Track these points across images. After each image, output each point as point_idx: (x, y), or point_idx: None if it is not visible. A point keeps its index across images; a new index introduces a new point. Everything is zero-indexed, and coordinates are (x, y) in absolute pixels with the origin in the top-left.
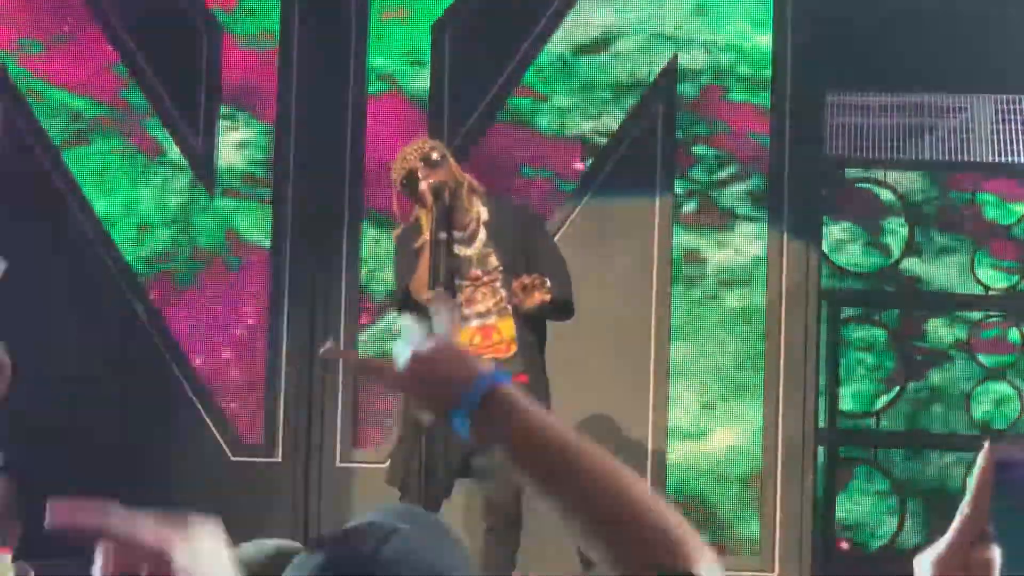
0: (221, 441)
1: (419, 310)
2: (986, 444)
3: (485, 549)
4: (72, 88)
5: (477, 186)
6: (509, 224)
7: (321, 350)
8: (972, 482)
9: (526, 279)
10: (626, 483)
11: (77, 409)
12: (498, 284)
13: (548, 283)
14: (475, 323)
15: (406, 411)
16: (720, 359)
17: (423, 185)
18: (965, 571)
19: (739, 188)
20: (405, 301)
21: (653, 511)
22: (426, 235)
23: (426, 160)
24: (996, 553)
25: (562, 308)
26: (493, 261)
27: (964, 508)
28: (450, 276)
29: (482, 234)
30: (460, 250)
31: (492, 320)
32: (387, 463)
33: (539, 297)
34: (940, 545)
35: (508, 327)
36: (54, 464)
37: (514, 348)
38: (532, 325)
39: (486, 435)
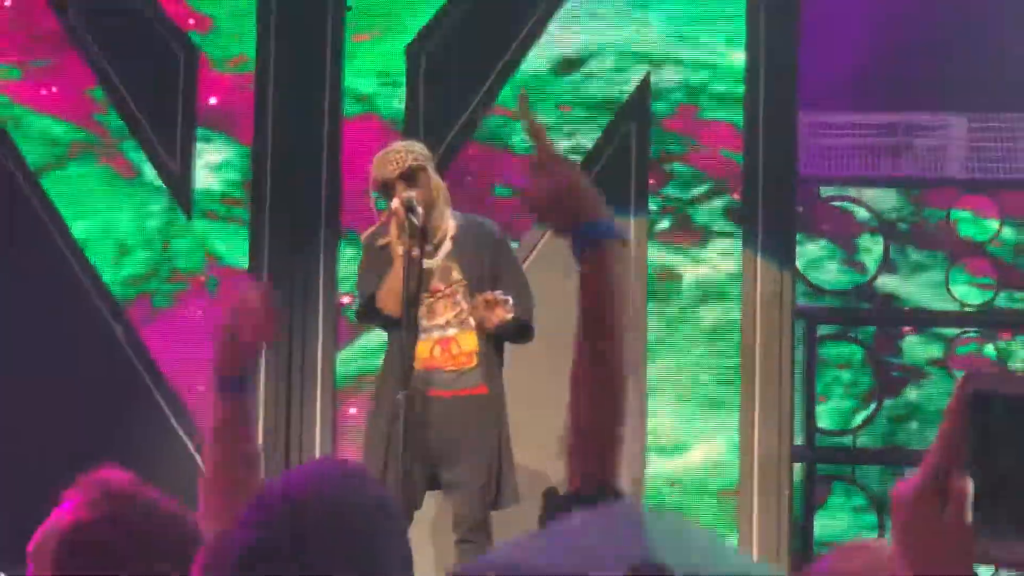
0: (198, 459)
1: (379, 318)
2: (962, 374)
3: (458, 561)
4: (50, 113)
5: (447, 197)
6: (475, 240)
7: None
8: (945, 412)
9: (489, 295)
10: (622, 395)
11: (55, 430)
12: (459, 297)
13: (511, 301)
14: (435, 335)
15: (374, 423)
16: (696, 375)
17: (396, 202)
18: (939, 501)
19: (713, 205)
20: (367, 308)
21: (616, 428)
22: (392, 239)
23: (404, 176)
24: (969, 483)
25: (522, 330)
26: (455, 275)
27: (938, 438)
28: (418, 293)
29: (446, 247)
30: (424, 262)
31: (452, 332)
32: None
33: (501, 313)
34: (914, 475)
35: (467, 340)
36: (30, 483)
37: (475, 361)
38: (493, 341)
39: (587, 264)
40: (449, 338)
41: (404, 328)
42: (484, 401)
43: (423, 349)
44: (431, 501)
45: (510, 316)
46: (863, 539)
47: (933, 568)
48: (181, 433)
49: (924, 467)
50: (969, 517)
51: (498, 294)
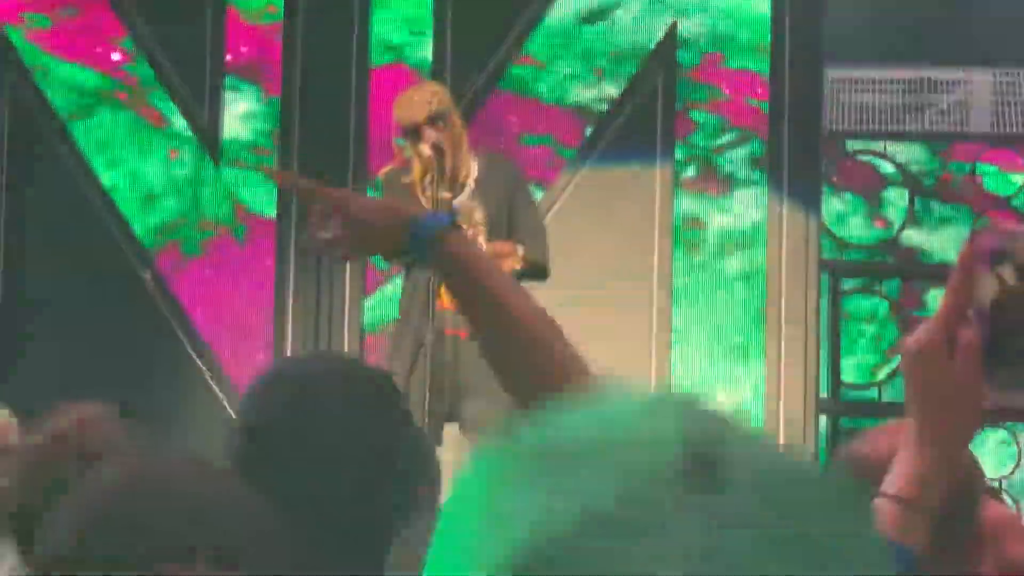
0: (228, 408)
1: (396, 258)
2: (974, 232)
3: None
4: (78, 62)
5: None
6: (497, 179)
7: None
8: (956, 265)
9: (498, 246)
10: (537, 323)
11: (83, 377)
12: (480, 239)
13: (520, 251)
14: None
15: (394, 362)
16: (722, 323)
17: (425, 147)
18: (948, 352)
19: (739, 153)
20: None
21: (556, 346)
22: (415, 180)
23: (431, 120)
24: (976, 334)
25: (535, 271)
26: (477, 215)
27: (947, 290)
28: None
29: (469, 188)
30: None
31: None
32: None
33: (510, 264)
34: (925, 326)
35: None
36: None
37: None
38: None
39: (440, 268)
40: None
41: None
42: None
43: (441, 289)
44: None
45: (519, 267)
46: (890, 422)
47: (944, 418)
48: (210, 380)
49: (934, 319)
50: (978, 367)
51: (506, 244)
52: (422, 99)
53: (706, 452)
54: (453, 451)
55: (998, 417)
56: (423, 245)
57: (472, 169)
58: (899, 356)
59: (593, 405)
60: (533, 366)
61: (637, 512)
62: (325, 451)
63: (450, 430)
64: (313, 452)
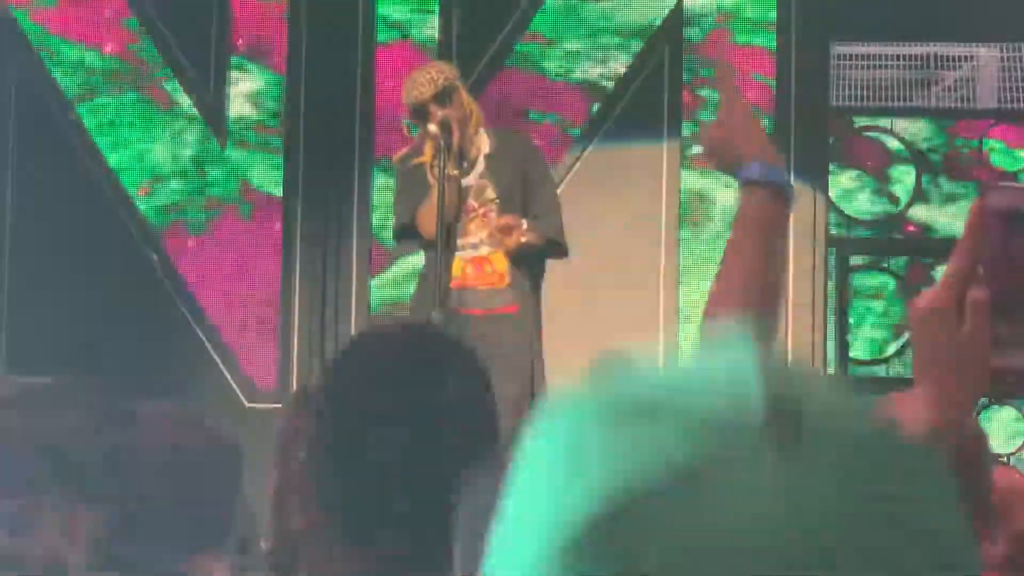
0: (235, 387)
1: (417, 239)
2: (983, 191)
3: None
4: (84, 42)
5: (481, 116)
6: (509, 155)
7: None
8: (965, 225)
9: (503, 220)
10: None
11: (92, 358)
12: (492, 216)
13: (524, 224)
14: (468, 254)
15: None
16: None
17: (432, 124)
18: (957, 313)
19: None
20: (405, 230)
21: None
22: (426, 159)
23: (438, 96)
24: (985, 294)
25: (551, 247)
26: (489, 193)
27: (956, 251)
28: (459, 211)
29: (480, 165)
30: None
31: (485, 251)
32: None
33: (517, 237)
34: (934, 287)
35: (500, 259)
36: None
37: (506, 280)
38: (527, 260)
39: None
40: (482, 257)
41: (440, 247)
42: (516, 319)
43: (456, 268)
44: None
45: (525, 239)
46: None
47: (952, 379)
48: (217, 360)
49: (943, 280)
50: (987, 327)
51: (511, 218)
52: (428, 78)
53: (787, 406)
54: None
55: (1009, 386)
56: (748, 181)
57: (484, 146)
58: (908, 317)
59: (677, 359)
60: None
61: (717, 466)
62: (385, 410)
63: None
64: (375, 412)
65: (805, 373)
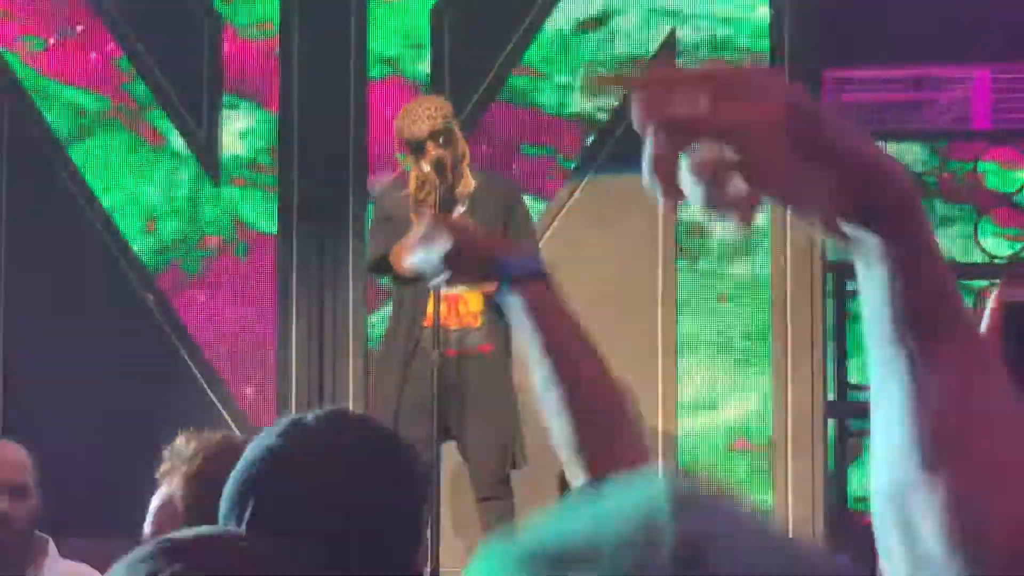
0: (234, 428)
1: (390, 274)
2: (1000, 282)
3: (484, 521)
4: (75, 83)
5: (467, 156)
6: (492, 198)
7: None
8: (984, 319)
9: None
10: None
11: (87, 399)
12: None
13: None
14: (442, 292)
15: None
16: (727, 331)
17: (426, 163)
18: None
19: None
20: (379, 264)
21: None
22: (411, 195)
23: (434, 136)
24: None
25: None
26: None
27: None
28: None
29: (463, 204)
30: None
31: (459, 290)
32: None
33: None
34: None
35: (474, 299)
36: (64, 450)
37: (480, 321)
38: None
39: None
40: (456, 296)
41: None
42: (489, 359)
43: (429, 307)
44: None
45: None
46: None
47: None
48: (214, 400)
49: None
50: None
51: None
52: (426, 114)
53: (696, 550)
54: (450, 470)
55: None
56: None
57: (469, 185)
58: None
59: (590, 502)
60: (587, 434)
61: None
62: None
63: (447, 448)
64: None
65: (721, 509)
